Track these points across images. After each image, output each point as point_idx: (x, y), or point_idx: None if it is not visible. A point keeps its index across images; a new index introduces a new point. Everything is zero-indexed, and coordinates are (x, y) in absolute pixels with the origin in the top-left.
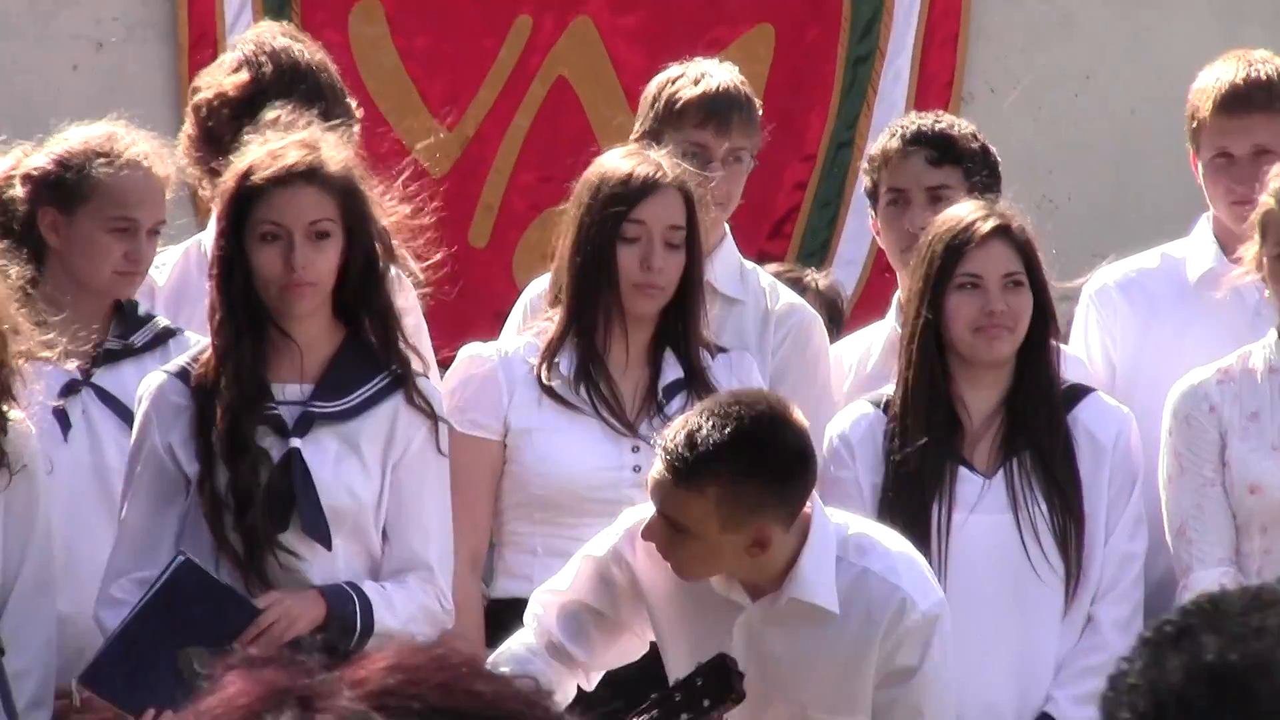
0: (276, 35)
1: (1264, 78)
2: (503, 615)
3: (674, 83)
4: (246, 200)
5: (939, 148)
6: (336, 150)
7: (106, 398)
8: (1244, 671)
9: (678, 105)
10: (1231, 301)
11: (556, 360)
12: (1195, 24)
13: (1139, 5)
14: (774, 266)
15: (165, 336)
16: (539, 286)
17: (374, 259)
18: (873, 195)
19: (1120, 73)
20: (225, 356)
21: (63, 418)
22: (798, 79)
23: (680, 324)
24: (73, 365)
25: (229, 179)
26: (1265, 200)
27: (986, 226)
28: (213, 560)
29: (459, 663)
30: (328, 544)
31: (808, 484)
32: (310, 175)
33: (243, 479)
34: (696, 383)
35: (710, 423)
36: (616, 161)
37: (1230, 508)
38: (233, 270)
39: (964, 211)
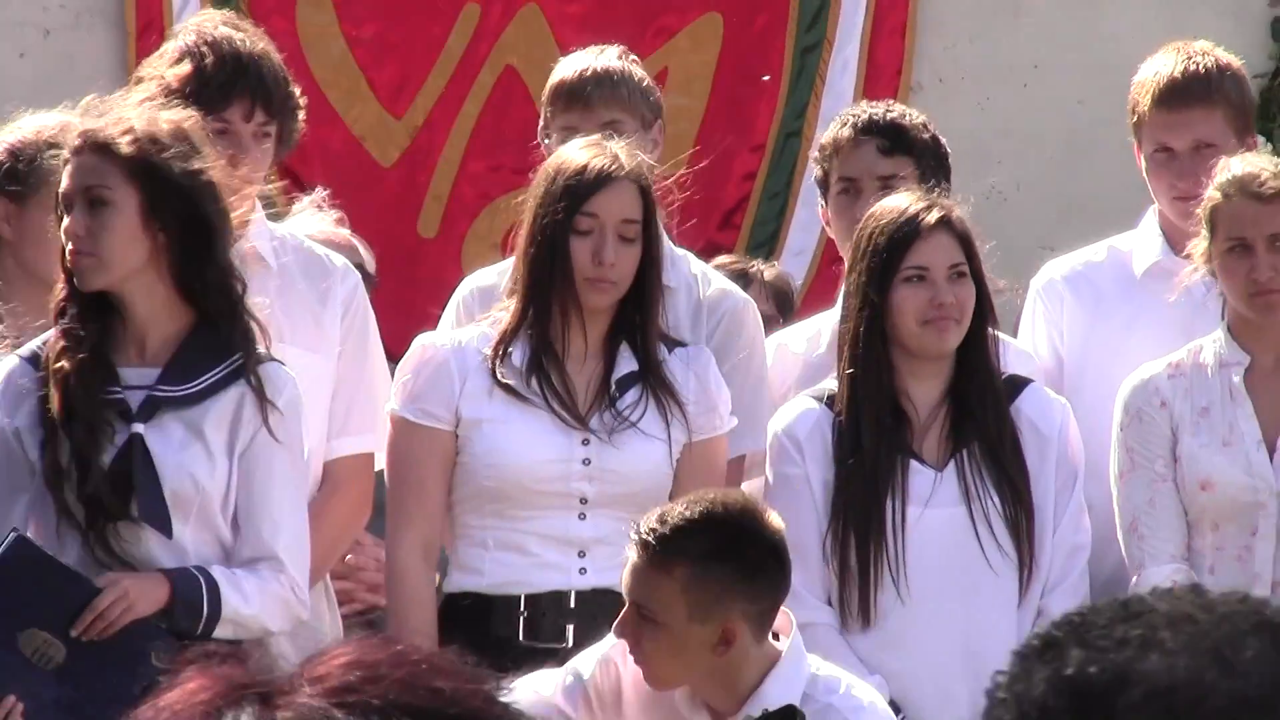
0: (218, 24)
1: (1202, 71)
2: (454, 610)
3: (553, 77)
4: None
5: (891, 137)
6: (134, 118)
7: None
8: (1103, 683)
9: (547, 96)
10: (1182, 292)
11: (510, 351)
12: (1143, 14)
13: None
14: (722, 258)
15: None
16: (472, 283)
17: (200, 232)
18: (823, 184)
19: (1068, 63)
20: (68, 338)
21: None
22: (746, 68)
23: (637, 317)
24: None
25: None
26: (1211, 194)
27: (932, 218)
28: (56, 541)
29: (419, 659)
30: (167, 531)
31: (779, 587)
32: (93, 145)
33: (83, 450)
34: (651, 376)
35: (684, 505)
36: (573, 152)
37: (1182, 504)
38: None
39: (903, 203)
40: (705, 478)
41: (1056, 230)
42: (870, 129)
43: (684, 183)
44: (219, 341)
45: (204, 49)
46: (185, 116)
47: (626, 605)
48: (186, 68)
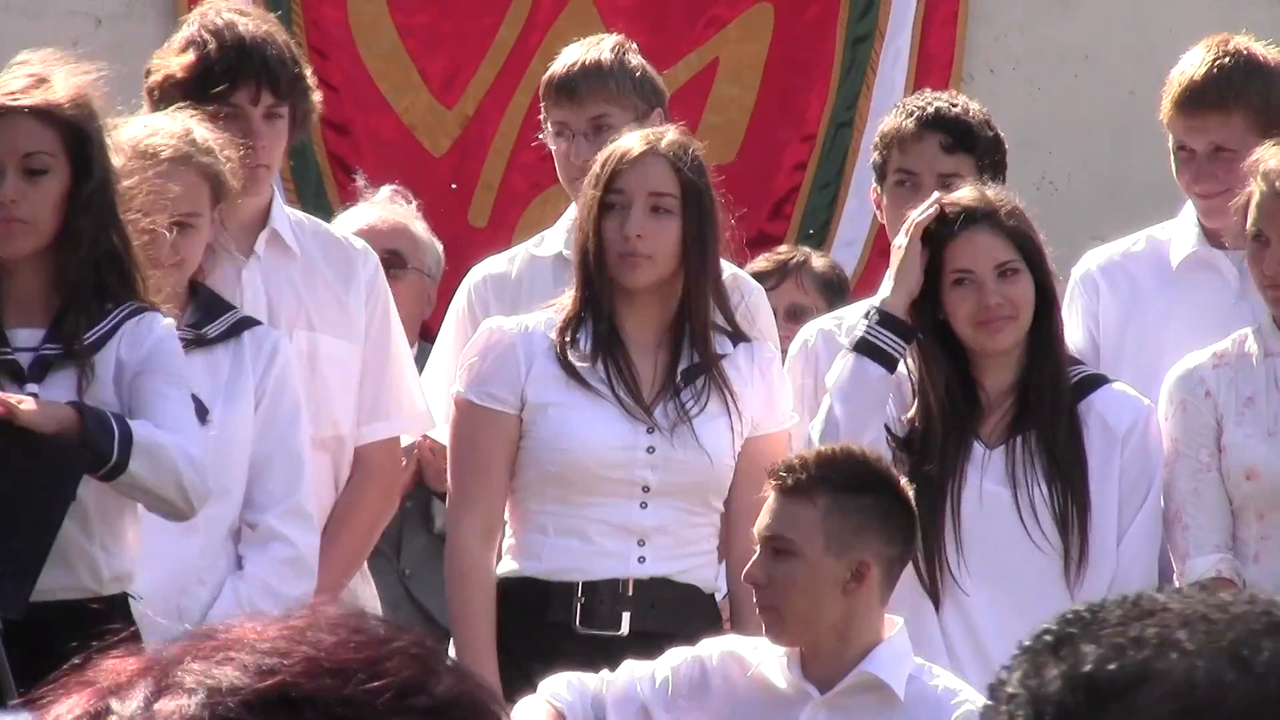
0: (221, 11)
1: (1224, 76)
2: (511, 593)
3: (548, 71)
4: None
5: (955, 134)
6: (67, 79)
7: None
8: (1123, 681)
9: (541, 90)
10: (1214, 285)
11: (578, 337)
12: (1195, 3)
13: None
14: (776, 251)
15: (241, 327)
16: (483, 270)
17: (98, 199)
18: (880, 171)
19: (1119, 53)
20: None
21: None
22: (797, 58)
23: (689, 307)
24: None
25: None
26: (1253, 183)
27: (965, 217)
28: None
29: (328, 629)
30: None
31: (910, 537)
32: (32, 108)
33: None
34: (708, 370)
35: (820, 447)
36: (622, 138)
37: (1227, 493)
38: None
39: (965, 195)
40: (765, 473)
41: (1107, 220)
42: (935, 124)
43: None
44: (101, 296)
45: (206, 36)
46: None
47: (759, 549)
48: (190, 57)
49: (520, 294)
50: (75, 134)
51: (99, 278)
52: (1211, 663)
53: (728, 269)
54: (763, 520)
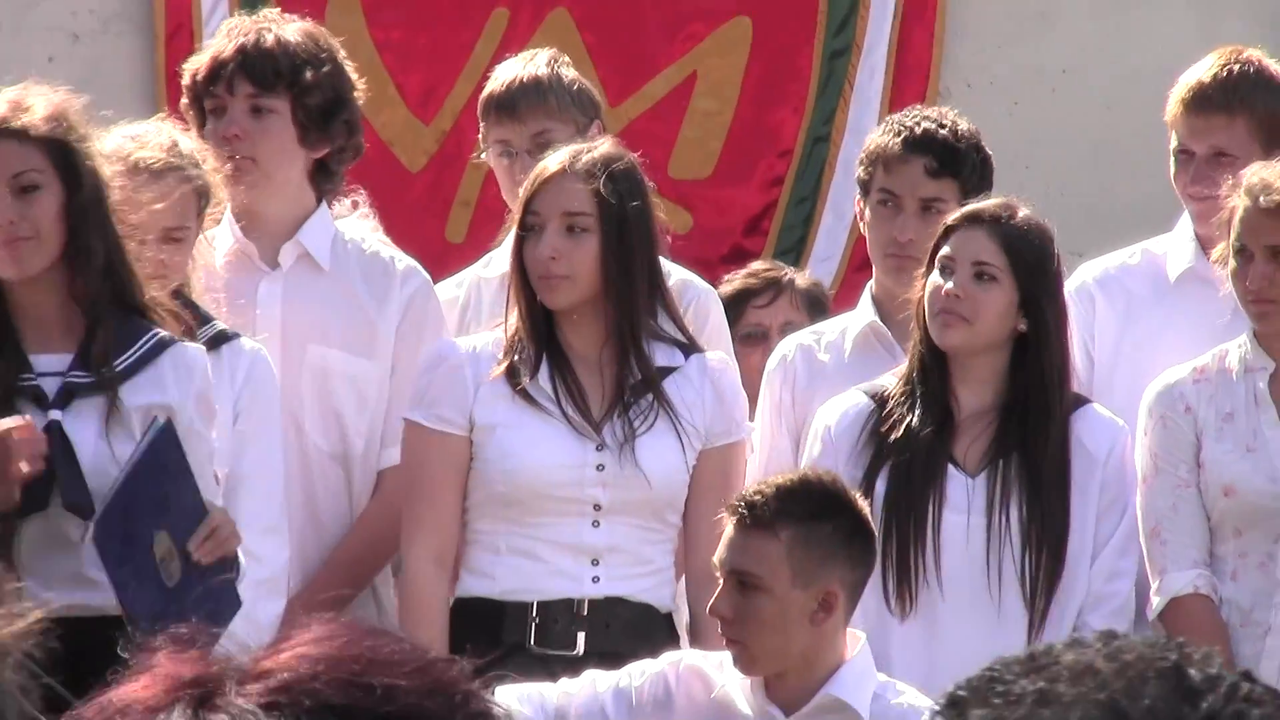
0: (245, 21)
1: (1233, 80)
2: (466, 614)
3: (485, 89)
4: None
5: (940, 158)
6: (44, 100)
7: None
8: None
9: (480, 108)
10: (1211, 299)
11: (524, 356)
12: (1173, 20)
13: (1116, 1)
14: (755, 265)
15: (220, 341)
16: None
17: (95, 210)
18: (864, 187)
19: (1097, 69)
20: None
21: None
22: (774, 73)
23: (622, 321)
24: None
25: None
26: (1234, 198)
27: (974, 214)
28: None
29: (363, 652)
30: (89, 516)
31: (870, 557)
32: (10, 131)
33: None
34: (652, 386)
35: (777, 477)
36: (546, 157)
37: (1205, 509)
38: None
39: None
40: (722, 483)
41: (1085, 235)
42: (921, 146)
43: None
44: (129, 325)
45: (220, 40)
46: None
47: (723, 581)
48: (199, 59)
49: (468, 316)
50: (59, 149)
51: (114, 292)
52: (1086, 714)
53: (676, 273)
54: (725, 554)
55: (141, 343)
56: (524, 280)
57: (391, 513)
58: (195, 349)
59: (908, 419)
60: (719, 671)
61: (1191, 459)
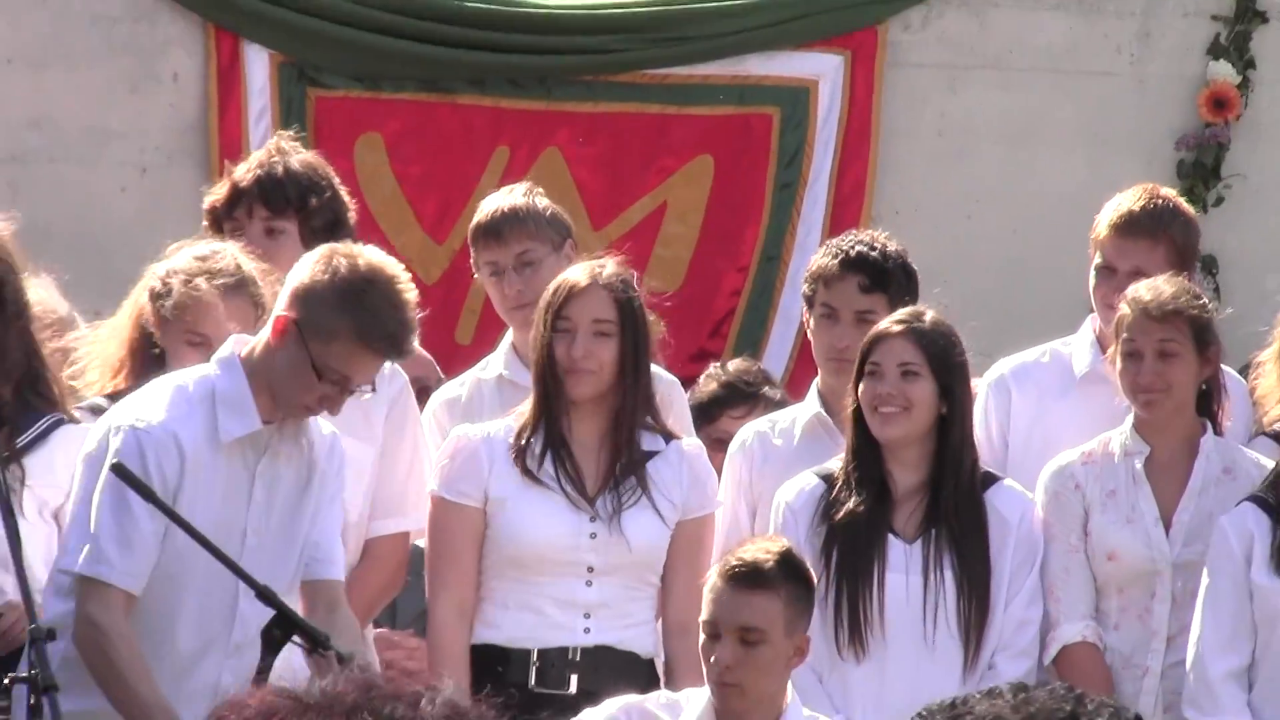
0: (257, 154)
1: (1158, 211)
2: (478, 658)
3: (474, 219)
4: None
5: (871, 276)
6: None
7: None
8: None
9: (470, 235)
10: (1109, 394)
11: (531, 441)
12: (1067, 157)
13: (1019, 142)
14: (736, 362)
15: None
16: (440, 396)
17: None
18: (809, 301)
19: (1005, 198)
20: None
21: None
22: (733, 202)
23: (623, 414)
24: None
25: None
26: (1121, 306)
27: (892, 325)
28: None
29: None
30: None
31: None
32: None
33: None
34: (637, 467)
35: (763, 541)
36: (570, 271)
37: (1092, 571)
38: None
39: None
40: (696, 549)
41: (996, 340)
42: (854, 266)
43: (665, 301)
44: (28, 407)
45: (241, 170)
46: None
47: (724, 639)
48: (215, 194)
49: (470, 412)
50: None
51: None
52: None
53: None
54: (721, 612)
55: (37, 427)
56: (549, 374)
57: (380, 577)
58: (72, 427)
59: (853, 497)
60: (666, 711)
61: (1080, 529)
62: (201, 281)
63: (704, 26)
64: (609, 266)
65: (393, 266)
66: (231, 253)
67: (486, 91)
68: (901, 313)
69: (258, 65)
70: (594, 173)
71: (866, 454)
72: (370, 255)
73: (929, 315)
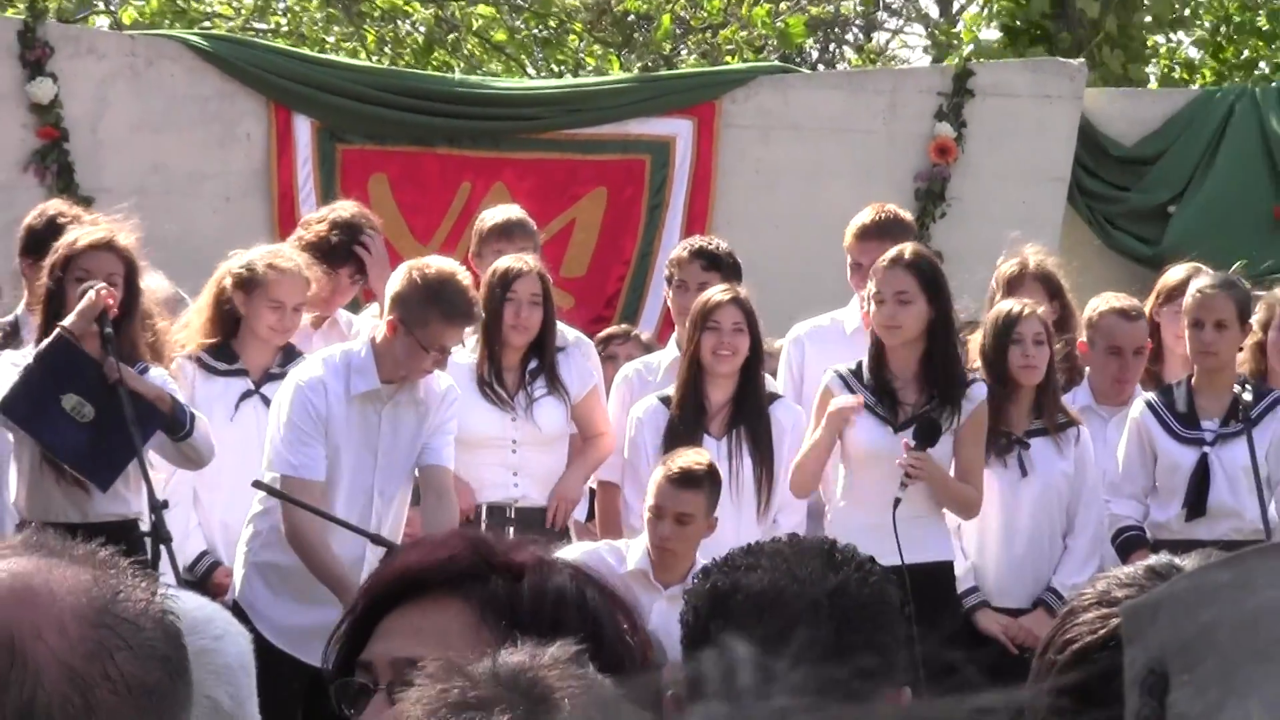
0: (331, 210)
1: (888, 220)
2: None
3: (478, 222)
4: None
5: (708, 261)
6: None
7: (267, 402)
8: (724, 591)
9: (486, 232)
10: (863, 345)
11: (484, 369)
12: (842, 189)
13: (810, 179)
14: (613, 329)
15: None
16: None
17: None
18: (669, 281)
19: (803, 217)
20: None
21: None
22: (619, 218)
23: (542, 345)
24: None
25: None
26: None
27: (725, 297)
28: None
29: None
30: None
31: None
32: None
33: None
34: (548, 372)
35: (692, 455)
36: (503, 262)
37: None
38: None
39: (715, 292)
40: (589, 418)
41: (791, 312)
42: (698, 254)
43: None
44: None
45: (321, 224)
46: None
47: (665, 519)
48: (322, 230)
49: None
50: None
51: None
52: (774, 576)
53: (570, 331)
54: (667, 501)
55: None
56: (496, 326)
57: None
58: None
59: (679, 412)
60: (612, 555)
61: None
62: (281, 261)
63: (600, 101)
64: (533, 259)
65: (451, 264)
66: (290, 251)
67: (456, 145)
68: (724, 286)
69: (303, 129)
70: (528, 199)
71: (693, 383)
72: (434, 262)
73: (743, 291)
